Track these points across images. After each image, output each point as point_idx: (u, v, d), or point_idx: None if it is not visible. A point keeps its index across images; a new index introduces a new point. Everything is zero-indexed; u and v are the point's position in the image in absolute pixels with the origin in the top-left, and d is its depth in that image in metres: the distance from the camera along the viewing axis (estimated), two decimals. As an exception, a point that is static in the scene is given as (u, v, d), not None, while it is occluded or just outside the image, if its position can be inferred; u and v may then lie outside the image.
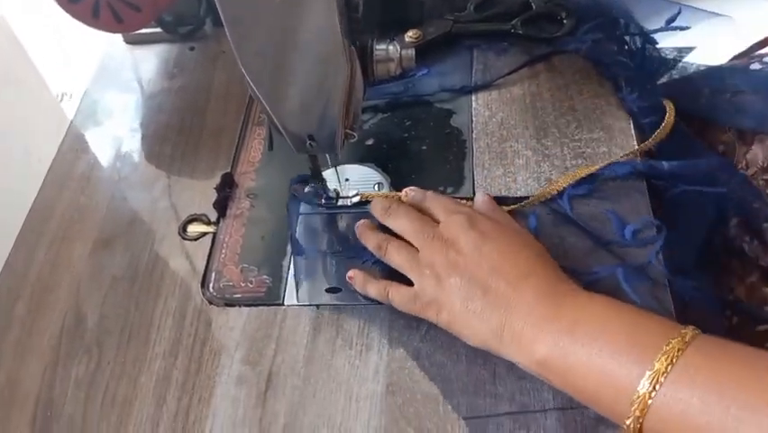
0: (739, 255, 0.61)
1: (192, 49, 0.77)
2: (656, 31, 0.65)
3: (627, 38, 0.66)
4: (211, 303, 0.54)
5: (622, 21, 0.67)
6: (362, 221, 0.55)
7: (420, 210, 0.53)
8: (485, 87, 0.66)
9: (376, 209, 0.54)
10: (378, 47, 0.48)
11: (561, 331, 0.41)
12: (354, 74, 0.46)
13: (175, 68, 0.75)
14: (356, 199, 0.58)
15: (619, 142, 0.59)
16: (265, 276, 0.55)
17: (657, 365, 0.36)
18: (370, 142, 0.64)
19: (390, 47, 0.48)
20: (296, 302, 0.53)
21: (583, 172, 0.56)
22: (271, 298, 0.54)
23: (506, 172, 0.58)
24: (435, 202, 0.53)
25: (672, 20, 0.65)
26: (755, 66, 0.68)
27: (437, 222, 0.51)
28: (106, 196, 0.64)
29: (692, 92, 0.66)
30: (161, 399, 0.50)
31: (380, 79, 0.49)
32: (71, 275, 0.58)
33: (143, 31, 0.77)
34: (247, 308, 0.54)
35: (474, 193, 0.57)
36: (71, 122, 0.72)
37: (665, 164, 0.55)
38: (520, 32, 0.68)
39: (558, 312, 0.42)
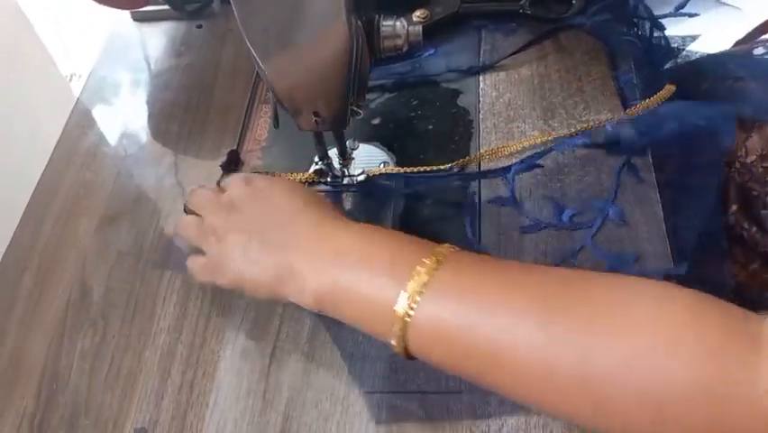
0: (741, 242, 0.61)
1: (199, 26, 0.77)
2: (665, 16, 0.65)
3: (636, 21, 0.66)
4: (216, 279, 0.54)
5: (631, 2, 0.66)
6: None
7: None
8: (492, 66, 0.65)
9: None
10: (384, 23, 0.48)
11: (327, 263, 0.42)
12: (361, 50, 0.46)
13: (182, 45, 0.75)
14: (361, 178, 0.58)
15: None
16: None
17: (411, 284, 0.38)
18: (376, 121, 0.63)
19: (397, 23, 0.48)
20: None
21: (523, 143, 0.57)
22: (276, 274, 0.54)
23: (512, 153, 0.58)
24: (226, 181, 0.51)
25: (682, 6, 0.64)
26: (759, 50, 0.67)
27: None
28: (112, 172, 0.64)
29: (694, 78, 0.66)
30: (166, 372, 0.50)
31: (387, 56, 0.49)
32: (77, 250, 0.59)
33: (151, 8, 0.77)
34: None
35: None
36: (78, 98, 0.72)
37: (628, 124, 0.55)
38: (528, 12, 0.68)
39: (324, 245, 0.43)
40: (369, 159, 0.60)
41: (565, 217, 0.53)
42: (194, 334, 0.52)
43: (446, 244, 0.40)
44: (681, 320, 0.32)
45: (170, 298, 0.54)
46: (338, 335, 0.50)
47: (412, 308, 0.37)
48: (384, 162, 0.60)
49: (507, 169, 0.56)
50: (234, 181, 0.49)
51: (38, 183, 0.65)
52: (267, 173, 0.59)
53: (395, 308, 0.38)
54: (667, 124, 0.54)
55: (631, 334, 0.32)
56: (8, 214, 0.65)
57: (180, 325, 0.52)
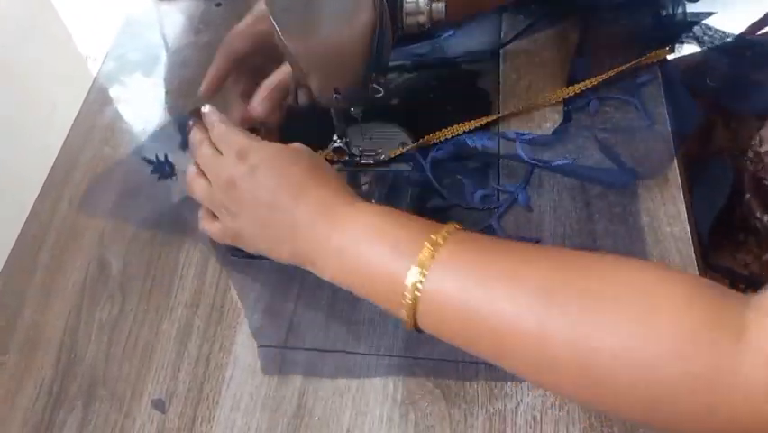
0: (754, 232, 0.61)
1: (218, 5, 0.76)
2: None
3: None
4: (233, 255, 0.54)
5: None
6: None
7: None
8: (506, 45, 0.65)
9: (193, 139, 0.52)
10: (408, -1, 0.47)
11: (337, 248, 0.43)
12: (384, 26, 0.46)
13: (201, 23, 0.75)
14: (380, 158, 0.58)
15: (649, 108, 0.58)
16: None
17: (420, 257, 0.38)
18: (395, 101, 0.63)
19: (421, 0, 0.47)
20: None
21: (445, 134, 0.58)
22: (293, 252, 0.54)
23: (530, 127, 0.58)
24: (220, 137, 0.50)
25: None
26: None
27: None
28: (131, 147, 0.64)
29: (712, 63, 0.65)
30: (183, 345, 0.50)
31: (409, 32, 0.49)
32: (95, 224, 0.59)
33: (170, -14, 0.77)
34: (269, 262, 0.53)
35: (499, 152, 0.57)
36: (97, 74, 0.72)
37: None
38: (550, -6, 0.67)
39: (335, 225, 0.43)
40: (387, 139, 0.60)
41: (476, 198, 0.55)
42: (211, 308, 0.52)
43: (452, 223, 0.41)
44: (675, 308, 0.33)
45: (188, 272, 0.54)
46: (354, 315, 0.50)
47: (421, 282, 0.38)
48: (402, 143, 0.59)
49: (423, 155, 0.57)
50: (229, 157, 0.48)
51: (56, 157, 0.65)
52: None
53: (405, 281, 0.38)
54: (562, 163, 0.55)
55: (624, 325, 0.34)
56: (27, 188, 0.65)
57: (198, 299, 0.53)
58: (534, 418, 0.44)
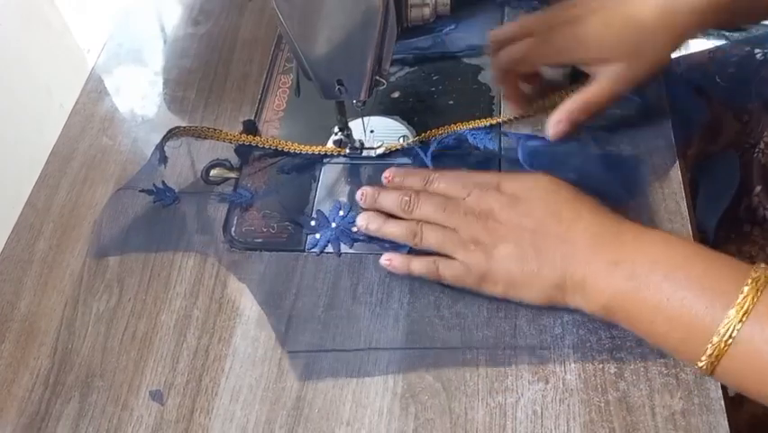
0: (761, 224, 0.61)
1: (218, -5, 0.76)
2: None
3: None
4: (232, 247, 0.54)
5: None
6: (371, 214, 0.51)
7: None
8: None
9: (391, 204, 0.51)
10: (413, -9, 0.47)
11: (624, 277, 0.41)
12: (388, 17, 0.46)
13: (200, 15, 0.74)
14: (381, 151, 0.58)
15: (651, 105, 0.58)
16: (287, 222, 0.55)
17: (736, 308, 0.36)
18: (396, 94, 0.63)
19: (426, -8, 0.47)
20: (317, 249, 0.53)
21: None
22: (293, 244, 0.54)
23: (534, 130, 0.58)
24: (448, 180, 0.50)
25: None
26: None
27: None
28: (129, 137, 0.64)
29: (720, 61, 0.65)
30: (181, 336, 0.50)
31: (414, 25, 0.48)
32: (93, 213, 0.58)
33: (169, -24, 0.76)
34: (268, 253, 0.53)
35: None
36: (95, 64, 0.72)
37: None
38: (553, -11, 0.67)
39: (618, 255, 0.42)
40: (388, 132, 0.60)
41: None
42: (210, 299, 0.51)
43: (763, 265, 0.38)
44: None
45: (187, 264, 0.54)
46: (354, 307, 0.50)
47: (733, 333, 0.36)
48: (403, 136, 0.59)
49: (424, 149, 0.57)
50: (482, 190, 0.48)
51: (54, 147, 0.64)
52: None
53: (718, 329, 0.36)
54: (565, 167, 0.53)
55: None
56: (23, 177, 0.64)
57: (197, 290, 0.52)
58: (534, 412, 0.44)
